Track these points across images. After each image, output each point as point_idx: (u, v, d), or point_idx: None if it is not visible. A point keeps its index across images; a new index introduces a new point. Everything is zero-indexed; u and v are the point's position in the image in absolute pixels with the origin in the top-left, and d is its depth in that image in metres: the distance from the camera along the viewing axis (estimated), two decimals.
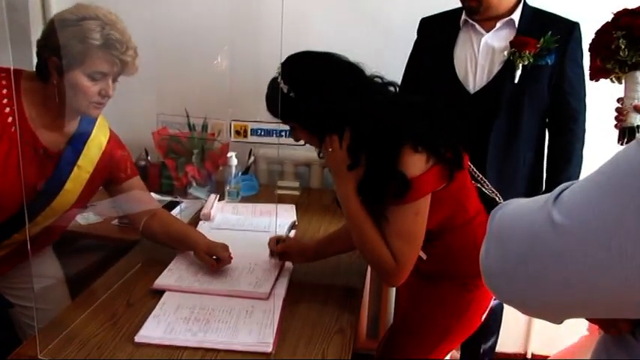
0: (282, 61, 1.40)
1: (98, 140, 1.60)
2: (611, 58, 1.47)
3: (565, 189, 0.64)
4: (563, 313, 0.68)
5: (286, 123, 1.46)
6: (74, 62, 1.39)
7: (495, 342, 2.29)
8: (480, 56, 1.94)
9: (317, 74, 1.39)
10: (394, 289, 2.36)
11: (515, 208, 0.71)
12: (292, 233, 1.88)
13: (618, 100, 1.54)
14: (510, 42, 1.89)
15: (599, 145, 2.03)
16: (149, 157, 2.47)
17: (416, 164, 1.31)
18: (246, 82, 2.41)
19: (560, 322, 0.69)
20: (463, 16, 1.97)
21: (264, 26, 2.38)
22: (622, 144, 1.51)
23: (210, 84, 2.44)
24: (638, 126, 1.47)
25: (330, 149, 1.37)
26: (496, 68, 1.93)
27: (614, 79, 1.53)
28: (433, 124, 1.36)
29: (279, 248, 1.64)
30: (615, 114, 1.55)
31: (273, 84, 1.40)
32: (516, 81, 1.90)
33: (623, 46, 1.43)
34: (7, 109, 1.41)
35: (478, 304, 1.54)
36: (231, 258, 1.64)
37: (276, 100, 1.36)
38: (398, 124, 1.34)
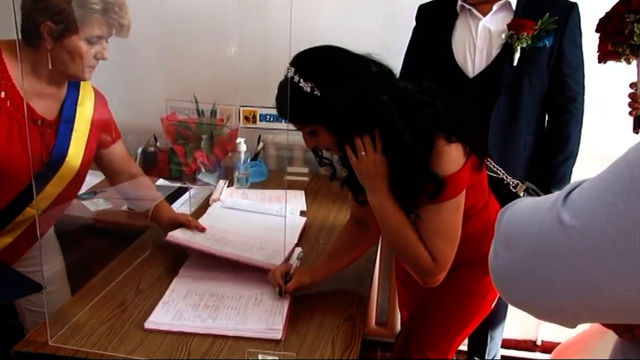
0: (292, 58, 1.29)
1: (87, 101, 1.60)
2: (624, 43, 1.42)
3: (574, 188, 0.61)
4: (575, 317, 0.65)
5: (307, 127, 1.32)
6: (73, 27, 1.37)
7: (502, 328, 2.29)
8: (478, 40, 1.92)
9: (341, 66, 1.27)
10: None
11: (523, 209, 0.68)
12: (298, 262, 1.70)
13: (631, 86, 1.50)
14: (508, 25, 1.87)
15: (598, 127, 2.05)
16: (158, 143, 2.47)
17: (454, 158, 1.26)
18: (255, 67, 2.40)
19: (573, 327, 0.66)
20: (459, 1, 1.94)
21: (272, 12, 2.36)
22: (638, 133, 1.47)
23: (219, 69, 2.43)
24: None
25: (364, 153, 1.28)
26: (495, 52, 1.91)
27: (623, 61, 1.49)
28: (460, 113, 1.31)
29: (292, 287, 1.46)
30: (629, 100, 1.52)
31: (287, 85, 1.24)
32: (515, 64, 1.88)
33: (638, 32, 1.39)
34: None
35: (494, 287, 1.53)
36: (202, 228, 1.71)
37: (294, 102, 1.23)
38: (429, 115, 1.27)
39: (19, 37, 1.38)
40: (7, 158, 1.41)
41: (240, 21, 2.38)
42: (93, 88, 1.63)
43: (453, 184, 1.27)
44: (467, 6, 1.93)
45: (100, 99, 1.64)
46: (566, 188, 0.62)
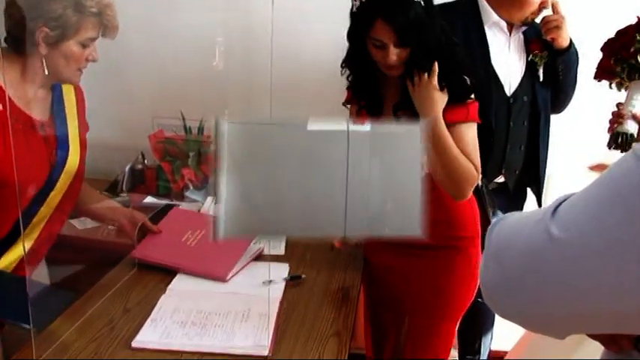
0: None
1: (70, 97, 1.60)
2: (625, 62, 1.46)
3: (562, 202, 0.63)
4: (565, 328, 0.67)
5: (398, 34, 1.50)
6: (69, 32, 1.38)
7: (492, 335, 2.32)
8: (512, 57, 1.93)
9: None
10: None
11: (512, 223, 0.70)
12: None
13: (617, 106, 1.55)
14: (534, 45, 1.90)
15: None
16: (146, 161, 2.47)
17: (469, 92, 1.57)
18: (241, 83, 2.40)
19: (563, 338, 0.68)
20: (492, 17, 1.91)
21: (255, 28, 2.37)
22: (611, 148, 1.51)
23: (206, 86, 2.44)
24: (632, 135, 1.47)
25: (420, 80, 1.51)
26: (522, 70, 1.94)
27: (615, 85, 1.54)
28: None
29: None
30: (610, 117, 1.56)
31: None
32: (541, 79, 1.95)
33: None
34: None
35: (476, 262, 1.63)
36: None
37: (407, 11, 1.46)
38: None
39: (1, 46, 1.39)
40: (20, 167, 1.40)
41: (226, 38, 2.39)
42: None
43: (475, 109, 1.56)
44: (502, 22, 1.91)
45: (78, 90, 1.64)
46: (554, 202, 0.64)
